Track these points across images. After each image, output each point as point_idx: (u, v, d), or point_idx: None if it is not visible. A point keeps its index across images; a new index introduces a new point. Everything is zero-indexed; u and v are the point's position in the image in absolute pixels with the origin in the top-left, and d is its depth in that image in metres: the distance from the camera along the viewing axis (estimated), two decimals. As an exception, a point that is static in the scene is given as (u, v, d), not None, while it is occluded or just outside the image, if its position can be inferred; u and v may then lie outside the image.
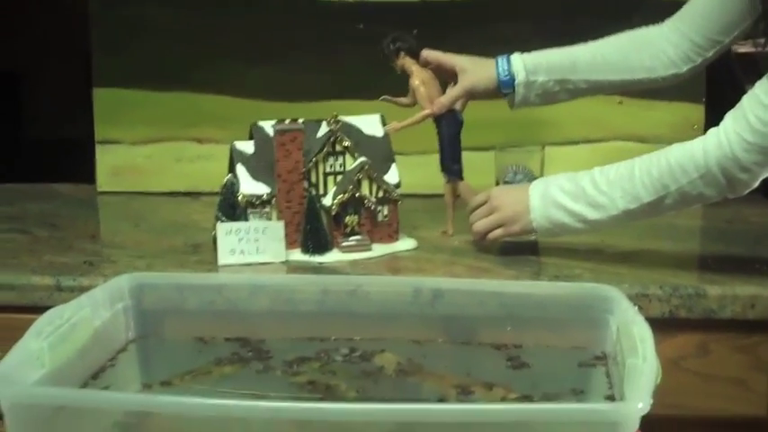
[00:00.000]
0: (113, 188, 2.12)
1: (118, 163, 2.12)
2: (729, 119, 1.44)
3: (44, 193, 2.14)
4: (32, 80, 4.63)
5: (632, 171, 1.50)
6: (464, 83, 1.69)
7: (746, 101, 1.43)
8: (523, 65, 1.67)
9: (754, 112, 1.41)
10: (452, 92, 1.69)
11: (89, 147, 2.16)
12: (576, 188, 1.54)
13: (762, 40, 1.51)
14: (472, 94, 1.70)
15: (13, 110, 4.61)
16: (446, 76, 1.71)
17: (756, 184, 1.46)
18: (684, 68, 1.66)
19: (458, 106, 1.71)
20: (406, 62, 1.71)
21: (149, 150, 2.12)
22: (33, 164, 2.97)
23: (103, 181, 2.12)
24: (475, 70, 1.68)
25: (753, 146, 1.42)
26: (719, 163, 1.44)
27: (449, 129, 1.71)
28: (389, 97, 1.73)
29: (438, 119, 1.71)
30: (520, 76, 1.66)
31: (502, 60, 1.67)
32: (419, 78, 1.69)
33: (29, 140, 4.48)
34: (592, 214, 1.53)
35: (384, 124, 1.72)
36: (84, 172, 2.20)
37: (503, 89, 1.67)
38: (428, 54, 1.70)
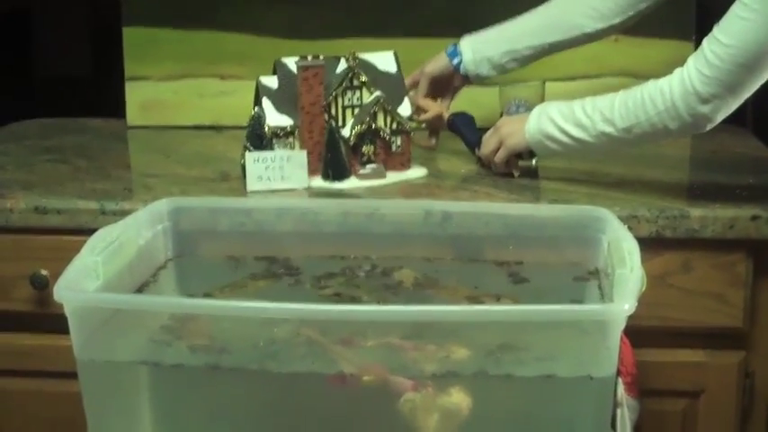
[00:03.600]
0: (142, 122, 2.19)
1: (145, 98, 2.19)
2: (691, 58, 1.56)
3: (75, 127, 2.21)
4: (37, 19, 4.66)
5: (614, 101, 1.63)
6: (422, 67, 1.89)
7: (705, 40, 1.54)
8: (469, 45, 1.86)
9: (710, 48, 1.52)
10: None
11: (95, 82, 2.22)
12: (568, 110, 1.67)
13: None
14: (429, 74, 1.89)
15: (20, 48, 4.65)
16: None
17: (718, 119, 1.56)
18: (617, 20, 1.80)
19: (447, 111, 1.90)
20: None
21: (175, 86, 2.18)
22: (44, 100, 3.06)
23: (133, 115, 2.19)
24: (432, 59, 1.90)
25: (710, 79, 1.52)
26: (682, 97, 1.54)
27: (464, 125, 1.87)
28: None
29: (451, 122, 1.88)
30: (467, 55, 1.85)
31: (450, 47, 1.88)
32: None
33: (36, 77, 4.53)
34: (575, 132, 1.65)
35: (397, 61, 1.82)
36: (95, 106, 2.29)
37: (452, 61, 1.87)
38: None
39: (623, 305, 1.17)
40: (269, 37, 2.15)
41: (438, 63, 1.89)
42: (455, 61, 1.87)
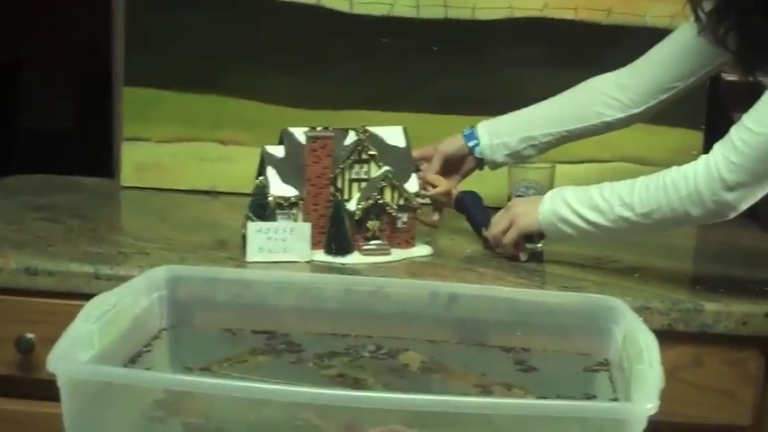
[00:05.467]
0: (136, 183, 2.14)
1: (143, 160, 2.14)
2: (717, 145, 1.54)
3: (66, 185, 2.17)
4: (28, 70, 4.64)
5: (633, 185, 1.60)
6: (436, 144, 1.86)
7: (733, 128, 1.52)
8: (486, 130, 1.83)
9: (739, 135, 1.50)
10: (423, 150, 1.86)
11: (82, 138, 2.18)
12: (584, 194, 1.64)
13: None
14: (443, 153, 1.85)
15: (8, 99, 4.62)
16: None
17: (742, 207, 1.53)
18: (636, 110, 1.78)
19: (455, 189, 1.85)
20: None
21: (174, 149, 2.14)
22: (29, 153, 3.02)
23: (128, 176, 2.15)
24: (447, 138, 1.87)
25: (737, 166, 1.50)
26: (707, 183, 1.52)
27: (472, 205, 1.84)
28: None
29: (460, 200, 1.84)
30: (483, 139, 1.83)
31: (467, 129, 1.85)
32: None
33: (23, 130, 4.50)
34: (591, 215, 1.62)
35: (406, 137, 1.79)
36: (83, 162, 2.25)
37: (467, 143, 1.84)
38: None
39: (646, 404, 1.12)
40: (275, 105, 2.12)
41: (453, 143, 1.86)
42: (471, 144, 1.84)
